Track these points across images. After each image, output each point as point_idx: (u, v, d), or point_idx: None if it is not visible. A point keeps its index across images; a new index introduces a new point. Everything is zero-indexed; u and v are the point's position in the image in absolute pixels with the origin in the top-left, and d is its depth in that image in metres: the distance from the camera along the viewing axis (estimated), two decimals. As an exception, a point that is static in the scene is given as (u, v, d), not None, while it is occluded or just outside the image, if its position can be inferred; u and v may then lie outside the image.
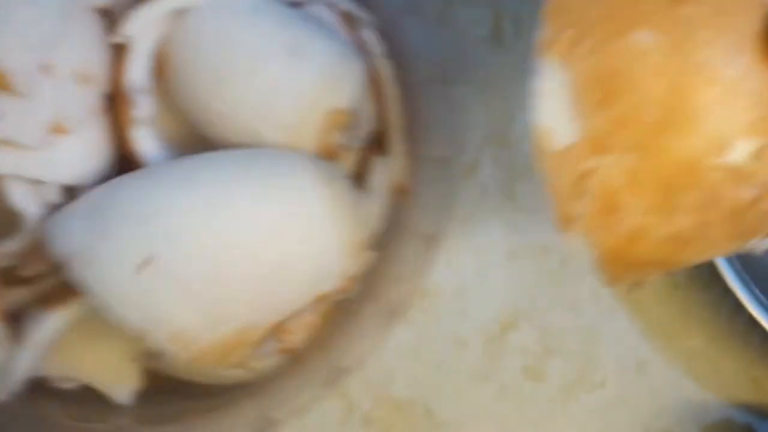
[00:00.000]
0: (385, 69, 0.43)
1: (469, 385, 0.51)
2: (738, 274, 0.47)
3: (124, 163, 0.40)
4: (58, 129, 0.37)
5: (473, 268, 0.52)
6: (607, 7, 0.27)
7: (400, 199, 0.43)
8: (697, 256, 0.30)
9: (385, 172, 0.42)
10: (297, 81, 0.38)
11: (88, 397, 0.41)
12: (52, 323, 0.38)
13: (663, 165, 0.27)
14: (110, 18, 0.40)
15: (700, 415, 0.51)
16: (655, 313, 0.52)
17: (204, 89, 0.39)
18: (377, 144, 0.42)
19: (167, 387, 0.42)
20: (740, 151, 0.26)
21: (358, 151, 0.42)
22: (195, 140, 0.41)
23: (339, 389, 0.50)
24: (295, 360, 0.40)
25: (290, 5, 0.42)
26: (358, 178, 0.42)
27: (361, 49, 0.43)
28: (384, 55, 0.43)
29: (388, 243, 0.43)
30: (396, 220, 0.43)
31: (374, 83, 0.43)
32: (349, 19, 0.44)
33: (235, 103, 0.38)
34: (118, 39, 0.39)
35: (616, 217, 0.28)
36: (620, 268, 0.30)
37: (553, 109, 0.28)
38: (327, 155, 0.39)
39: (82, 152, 0.38)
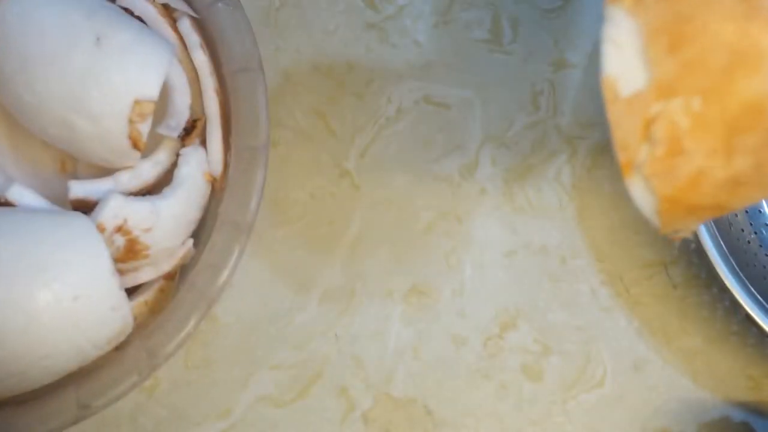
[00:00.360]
0: (202, 59, 0.44)
1: (468, 384, 0.51)
2: (734, 273, 0.47)
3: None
4: None
5: (473, 268, 0.52)
6: None
7: (215, 187, 0.43)
8: (748, 200, 0.30)
9: (202, 162, 0.43)
10: (104, 71, 0.38)
11: None
12: None
13: (728, 107, 0.27)
14: None
15: (698, 414, 0.52)
16: (652, 313, 0.52)
17: (13, 80, 0.39)
18: (195, 134, 0.42)
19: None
20: None
21: (176, 141, 0.42)
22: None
23: (339, 389, 0.51)
24: (115, 348, 0.40)
25: None
26: (175, 168, 0.43)
27: (178, 40, 0.44)
28: (200, 45, 0.44)
29: (203, 231, 0.43)
30: (210, 209, 0.43)
31: (191, 73, 0.43)
32: (166, 9, 0.44)
33: (45, 93, 0.38)
34: None
35: (679, 160, 0.29)
36: (677, 214, 0.31)
37: (622, 56, 0.29)
38: (135, 145, 0.40)
39: None
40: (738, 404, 0.52)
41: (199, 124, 0.42)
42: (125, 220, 0.39)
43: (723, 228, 0.48)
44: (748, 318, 0.47)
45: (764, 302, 0.47)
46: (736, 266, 0.47)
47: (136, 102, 0.39)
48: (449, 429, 0.51)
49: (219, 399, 0.50)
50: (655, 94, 0.28)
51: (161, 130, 0.42)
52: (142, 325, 0.41)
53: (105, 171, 0.41)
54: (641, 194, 0.31)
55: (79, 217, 0.38)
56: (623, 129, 0.30)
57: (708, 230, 0.47)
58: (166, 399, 0.50)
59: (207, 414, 0.50)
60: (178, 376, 0.50)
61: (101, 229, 0.38)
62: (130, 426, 0.49)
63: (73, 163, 0.44)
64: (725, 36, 0.27)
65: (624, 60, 0.29)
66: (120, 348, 0.40)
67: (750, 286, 0.47)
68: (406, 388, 0.51)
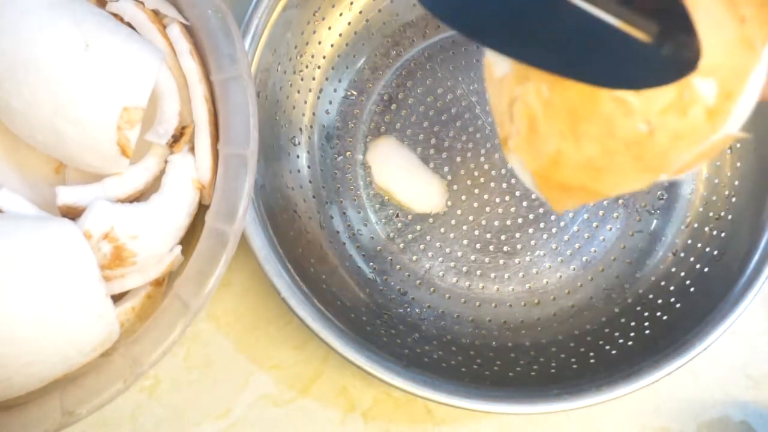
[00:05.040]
0: (191, 66, 0.43)
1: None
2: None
3: None
4: None
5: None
6: None
7: (203, 194, 0.43)
8: (616, 187, 0.32)
9: (190, 169, 0.43)
10: (92, 77, 0.38)
11: None
12: None
13: (569, 95, 0.30)
14: None
15: (698, 412, 0.51)
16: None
17: (1, 86, 0.39)
18: (183, 140, 0.42)
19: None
20: None
21: (165, 148, 0.42)
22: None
23: (339, 389, 0.51)
24: (101, 355, 0.40)
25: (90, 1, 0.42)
26: (163, 175, 0.43)
27: (167, 46, 0.43)
28: (190, 52, 0.43)
29: (191, 238, 0.43)
30: (196, 216, 0.43)
31: (180, 80, 0.43)
32: (155, 15, 0.44)
33: (33, 99, 0.38)
34: None
35: (538, 139, 0.31)
36: (554, 191, 0.33)
37: None
38: (123, 151, 0.40)
39: None
40: (738, 404, 0.51)
41: (188, 131, 0.42)
42: (112, 227, 0.39)
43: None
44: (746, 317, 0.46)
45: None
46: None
47: (125, 109, 0.39)
48: (449, 429, 0.51)
49: (219, 399, 0.51)
50: (516, 78, 0.31)
51: (150, 137, 0.42)
52: (129, 331, 0.41)
53: (94, 177, 0.42)
54: (519, 168, 0.34)
55: (66, 224, 0.38)
56: (498, 108, 0.33)
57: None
58: (166, 399, 0.51)
59: (207, 414, 0.51)
60: (178, 376, 0.51)
61: (88, 236, 0.38)
62: (130, 426, 0.50)
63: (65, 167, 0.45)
64: None
65: None
66: (106, 354, 0.40)
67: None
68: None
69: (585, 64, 0.29)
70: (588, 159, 0.31)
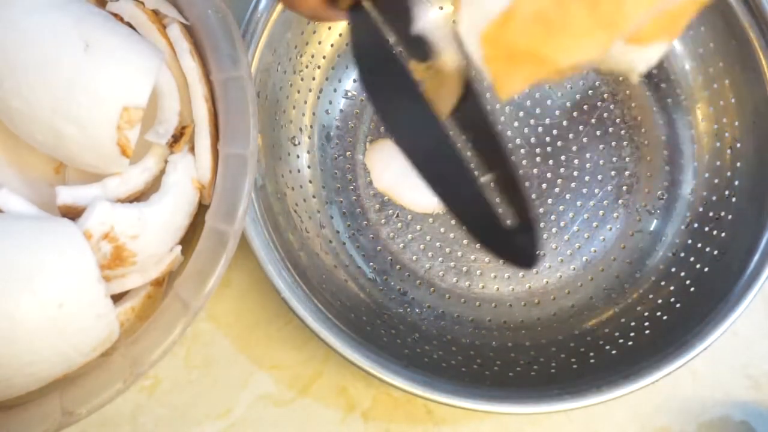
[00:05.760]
0: (191, 66, 0.43)
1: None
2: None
3: None
4: None
5: (470, 267, 0.52)
6: None
7: (203, 194, 0.43)
8: (569, 51, 0.31)
9: (190, 169, 0.43)
10: (92, 77, 0.38)
11: None
12: None
13: None
14: None
15: (698, 412, 0.51)
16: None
17: (1, 86, 0.39)
18: (183, 140, 0.42)
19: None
20: None
21: (165, 148, 0.42)
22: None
23: (339, 388, 0.51)
24: (101, 355, 0.40)
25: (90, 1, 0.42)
26: (163, 175, 0.43)
27: (167, 46, 0.43)
28: (190, 52, 0.43)
29: (191, 238, 0.43)
30: (196, 216, 0.43)
31: (180, 80, 0.43)
32: (155, 15, 0.44)
33: (33, 99, 0.38)
34: None
35: None
36: (501, 63, 0.32)
37: None
38: (123, 151, 0.40)
39: None
40: (738, 404, 0.51)
41: (188, 131, 0.42)
42: (112, 227, 0.39)
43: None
44: (745, 317, 0.46)
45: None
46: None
47: (125, 109, 0.39)
48: (449, 429, 0.51)
49: (219, 399, 0.51)
50: None
51: (150, 137, 0.42)
52: (129, 331, 0.41)
53: (94, 177, 0.42)
54: (467, 35, 0.32)
55: (65, 224, 0.38)
56: None
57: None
58: (166, 399, 0.51)
59: (207, 414, 0.51)
60: (178, 375, 0.51)
61: (88, 236, 0.38)
62: (131, 425, 0.50)
63: (65, 167, 0.45)
64: None
65: None
66: (106, 354, 0.40)
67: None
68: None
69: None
70: (540, 10, 0.30)
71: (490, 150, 0.37)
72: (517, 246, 0.35)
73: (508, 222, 0.35)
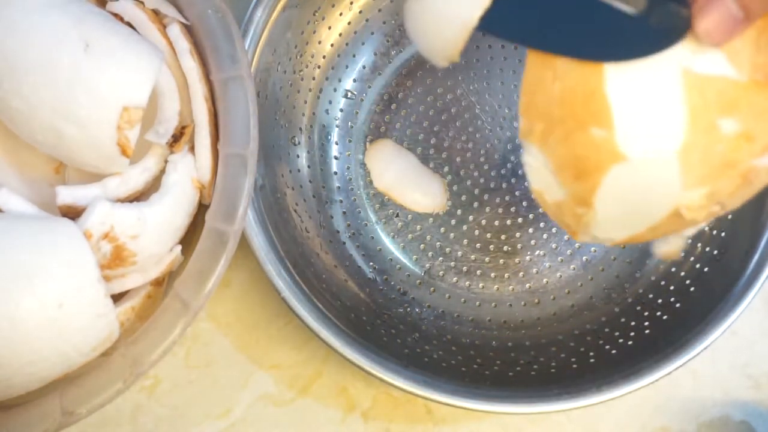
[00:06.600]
0: (191, 65, 0.43)
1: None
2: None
3: None
4: None
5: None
6: (565, 107, 0.34)
7: (203, 194, 0.43)
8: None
9: (190, 168, 0.43)
10: (92, 77, 0.38)
11: None
12: None
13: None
14: None
15: (698, 412, 0.51)
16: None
17: (1, 86, 0.39)
18: (183, 140, 0.42)
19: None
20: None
21: (165, 148, 0.42)
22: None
23: (339, 388, 0.51)
24: (101, 355, 0.40)
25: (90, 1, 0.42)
26: (163, 175, 0.43)
27: (167, 46, 0.43)
28: (190, 51, 0.43)
29: (191, 238, 0.43)
30: (196, 216, 0.43)
31: (180, 80, 0.43)
32: (155, 15, 0.44)
33: (33, 99, 0.38)
34: None
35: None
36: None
37: (540, 176, 0.37)
38: (123, 151, 0.40)
39: None
40: (738, 404, 0.51)
41: (188, 131, 0.42)
42: (112, 227, 0.39)
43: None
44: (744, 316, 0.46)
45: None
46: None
47: (125, 108, 0.39)
48: (449, 429, 0.51)
49: (219, 399, 0.51)
50: (575, 202, 0.36)
51: (150, 137, 0.42)
52: (129, 331, 0.41)
53: (94, 177, 0.42)
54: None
55: (65, 224, 0.38)
56: (560, 219, 0.39)
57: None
58: (166, 399, 0.51)
59: (207, 414, 0.51)
60: (178, 375, 0.51)
61: (88, 236, 0.38)
62: (131, 425, 0.50)
63: (66, 167, 0.45)
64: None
65: (543, 179, 0.37)
66: (106, 354, 0.40)
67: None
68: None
69: (580, 41, 0.32)
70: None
71: None
72: (655, 26, 0.31)
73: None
